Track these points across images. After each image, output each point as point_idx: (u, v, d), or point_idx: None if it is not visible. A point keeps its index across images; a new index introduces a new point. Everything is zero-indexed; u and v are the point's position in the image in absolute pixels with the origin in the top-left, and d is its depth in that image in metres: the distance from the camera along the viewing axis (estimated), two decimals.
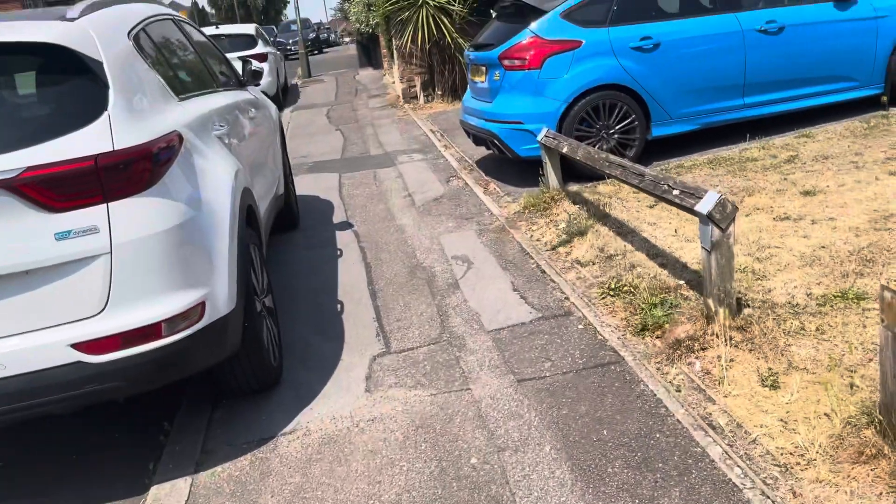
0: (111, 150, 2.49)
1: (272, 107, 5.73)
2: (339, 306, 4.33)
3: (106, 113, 2.55)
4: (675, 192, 3.35)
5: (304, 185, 7.37)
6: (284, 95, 16.31)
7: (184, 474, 2.85)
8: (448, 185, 6.82)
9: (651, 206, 4.98)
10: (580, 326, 3.62)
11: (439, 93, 11.82)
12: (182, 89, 3.42)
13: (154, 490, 2.79)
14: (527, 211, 5.43)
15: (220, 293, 2.83)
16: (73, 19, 2.75)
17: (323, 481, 2.69)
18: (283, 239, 5.73)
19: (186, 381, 3.29)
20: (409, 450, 2.81)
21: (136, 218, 2.54)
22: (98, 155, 2.46)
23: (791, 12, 6.18)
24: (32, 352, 2.45)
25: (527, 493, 2.47)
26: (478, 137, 6.66)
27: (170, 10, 4.23)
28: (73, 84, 2.60)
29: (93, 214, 2.47)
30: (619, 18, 5.90)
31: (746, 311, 3.27)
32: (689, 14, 6.13)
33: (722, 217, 3.04)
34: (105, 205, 2.49)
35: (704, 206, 3.08)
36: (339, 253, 5.31)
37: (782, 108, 6.39)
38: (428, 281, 4.51)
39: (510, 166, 6.83)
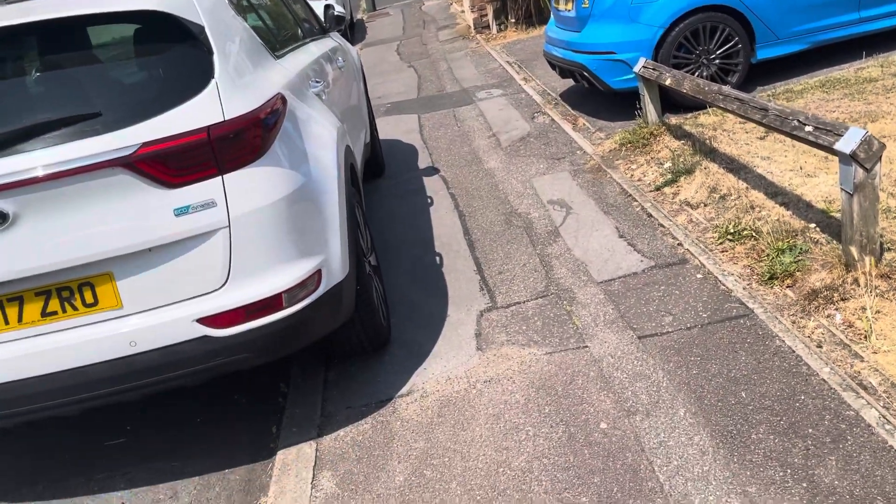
0: (222, 120, 2.41)
1: (353, 50, 5.57)
2: (438, 259, 4.25)
3: (213, 81, 2.46)
4: (808, 128, 3.06)
5: (384, 129, 7.24)
6: (352, 31, 16.04)
7: (308, 438, 2.88)
8: (533, 122, 6.56)
9: (762, 138, 4.64)
10: (699, 276, 3.43)
11: (512, 21, 11.34)
12: (277, 46, 3.30)
13: (281, 455, 2.82)
14: (623, 148, 5.17)
15: (334, 260, 2.77)
16: None
17: (448, 447, 2.66)
18: (371, 188, 5.66)
19: None
20: (533, 413, 2.73)
21: (250, 188, 2.47)
22: (210, 126, 2.39)
23: None
24: (160, 328, 2.46)
25: (665, 462, 2.37)
26: (564, 69, 6.34)
27: None
28: (177, 52, 2.52)
29: (209, 188, 2.41)
30: None
31: (888, 255, 3.01)
32: None
33: (867, 156, 2.76)
34: (220, 177, 2.42)
35: (846, 144, 2.80)
36: (429, 201, 5.20)
37: None
38: (526, 229, 4.37)
39: (598, 98, 6.50)
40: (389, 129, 7.32)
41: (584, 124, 6.08)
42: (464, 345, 3.30)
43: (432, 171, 5.87)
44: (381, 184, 5.77)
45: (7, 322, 2.42)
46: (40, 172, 2.27)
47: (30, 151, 2.30)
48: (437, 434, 2.74)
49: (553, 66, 6.71)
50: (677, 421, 2.53)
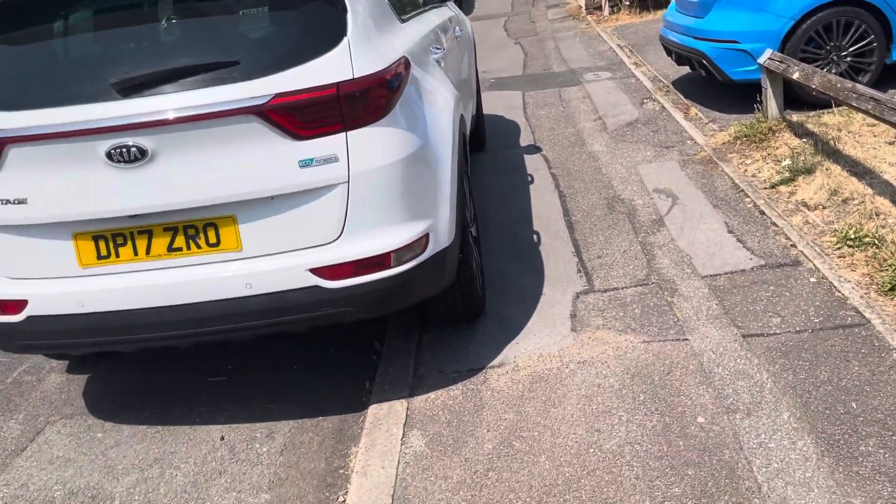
0: (351, 77, 2.46)
1: (468, 21, 5.56)
2: (535, 237, 4.23)
3: (346, 39, 2.52)
4: None
5: (488, 103, 7.21)
6: (459, 4, 15.99)
7: (399, 397, 2.94)
8: (642, 107, 6.39)
9: (891, 143, 4.37)
10: (812, 279, 3.28)
11: (626, 3, 11.04)
12: (402, 10, 3.33)
13: (373, 409, 2.90)
14: (738, 141, 4.97)
15: (442, 226, 2.80)
16: None
17: (538, 422, 2.66)
18: (472, 161, 5.65)
19: None
20: (627, 399, 2.70)
21: (372, 147, 2.53)
22: (340, 83, 2.44)
23: None
24: (275, 274, 2.56)
25: (765, 463, 2.30)
26: (681, 56, 6.13)
27: None
28: (313, 8, 2.58)
29: (333, 143, 2.48)
30: None
31: None
32: None
33: None
34: (344, 134, 2.49)
35: None
36: (529, 179, 5.17)
37: None
38: (628, 215, 4.29)
39: (713, 89, 6.26)
40: (493, 104, 7.29)
41: (697, 114, 5.88)
42: (558, 324, 3.28)
43: (534, 149, 5.83)
44: (482, 158, 5.76)
45: (136, 253, 2.57)
46: (180, 114, 2.39)
47: (172, 93, 2.43)
48: (527, 408, 2.75)
49: (668, 52, 6.51)
50: (780, 424, 2.44)
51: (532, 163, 5.50)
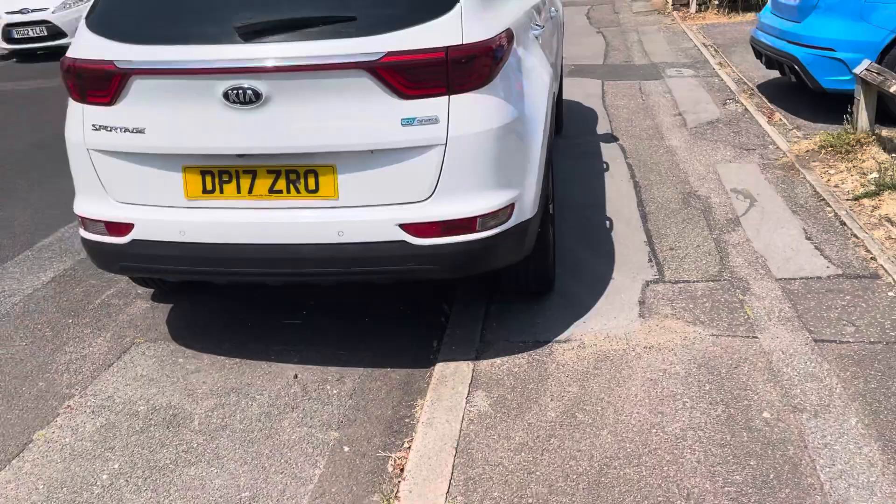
0: (460, 43, 2.54)
1: (560, 2, 5.56)
2: (607, 223, 4.26)
3: (458, 6, 2.59)
4: None
5: (566, 90, 7.21)
6: None
7: (466, 359, 3.03)
8: (724, 107, 6.31)
9: None
10: (891, 294, 3.24)
11: (715, 2, 10.81)
12: None
13: (440, 367, 3.00)
14: (823, 151, 4.89)
15: (527, 197, 2.87)
16: None
17: (602, 398, 2.73)
18: None
19: None
20: (693, 387, 2.74)
21: (471, 113, 2.60)
22: (448, 47, 2.52)
23: None
24: (367, 225, 2.67)
25: (829, 463, 2.32)
26: (771, 59, 6.02)
27: None
28: None
29: (435, 105, 2.56)
30: None
31: None
32: None
33: None
34: (447, 97, 2.57)
35: None
36: (605, 167, 5.19)
37: None
38: (704, 212, 4.28)
39: (799, 96, 6.15)
40: (571, 90, 7.28)
41: (781, 119, 5.78)
42: (626, 309, 3.33)
43: (610, 138, 5.82)
44: (558, 142, 5.78)
45: (239, 191, 2.71)
46: (296, 62, 2.50)
47: (290, 42, 2.54)
48: (591, 384, 2.82)
49: (758, 55, 6.39)
50: (847, 428, 2.46)
51: (608, 151, 5.50)
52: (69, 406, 2.93)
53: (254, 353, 3.24)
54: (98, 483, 2.51)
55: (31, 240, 4.53)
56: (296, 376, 3.07)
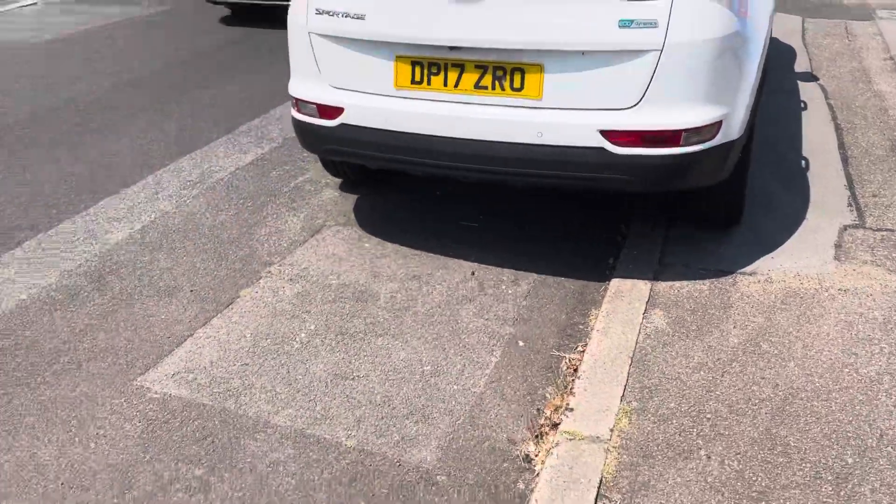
0: None
1: None
2: (803, 162, 3.99)
3: None
4: None
5: None
6: None
7: (643, 278, 3.01)
8: None
9: None
10: None
11: None
12: None
13: (616, 282, 3.00)
14: None
15: (735, 117, 2.74)
16: None
17: (789, 332, 2.63)
18: None
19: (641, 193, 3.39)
20: (892, 333, 2.58)
21: (694, 19, 2.50)
22: None
23: None
24: (567, 128, 2.66)
25: None
26: None
27: None
28: None
29: (657, 8, 2.48)
30: None
31: None
32: None
33: None
34: (670, 0, 2.47)
35: None
36: (802, 106, 4.82)
37: None
38: None
39: None
40: None
41: None
42: (819, 250, 3.14)
43: (810, 77, 5.39)
44: None
45: (445, 84, 2.78)
46: None
47: None
48: (778, 317, 2.72)
49: None
50: None
51: (806, 90, 5.10)
52: (269, 272, 3.21)
53: (434, 247, 3.38)
54: (297, 339, 2.77)
55: (232, 125, 4.90)
56: (473, 273, 3.18)
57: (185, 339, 2.77)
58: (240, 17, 8.12)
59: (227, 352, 2.70)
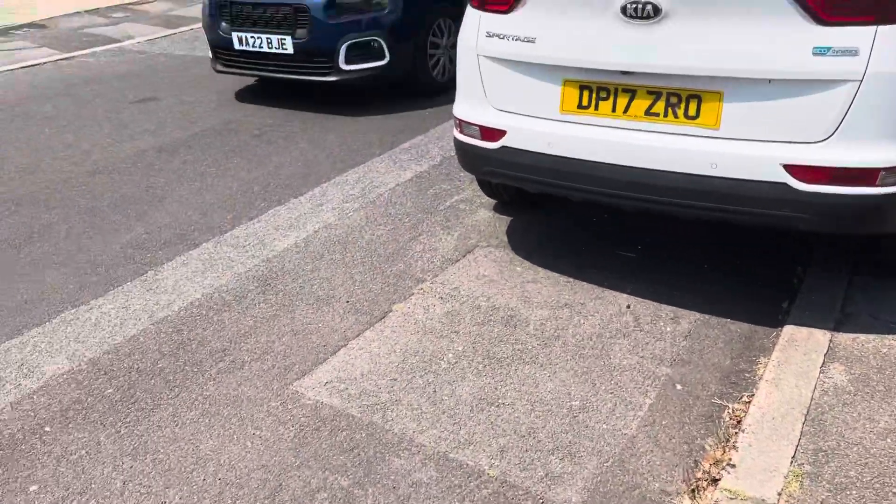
0: None
1: None
2: None
3: None
4: None
5: None
6: None
7: (821, 327, 2.73)
8: None
9: None
10: None
11: None
12: None
13: (790, 329, 2.74)
14: None
15: None
16: None
17: None
18: None
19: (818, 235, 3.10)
20: None
21: None
22: None
23: None
24: (745, 160, 2.48)
25: None
26: None
27: None
28: None
29: (859, 35, 2.26)
30: None
31: None
32: None
33: None
34: (875, 27, 2.24)
35: None
36: None
37: None
38: None
39: None
40: None
41: None
42: None
43: None
44: None
45: (614, 110, 2.69)
46: None
47: None
48: None
49: None
50: None
51: None
52: (422, 289, 3.25)
53: (587, 275, 3.27)
54: (444, 359, 2.77)
55: (393, 143, 5.05)
56: (628, 306, 3.04)
57: (339, 349, 2.85)
58: None
59: (377, 365, 2.75)
